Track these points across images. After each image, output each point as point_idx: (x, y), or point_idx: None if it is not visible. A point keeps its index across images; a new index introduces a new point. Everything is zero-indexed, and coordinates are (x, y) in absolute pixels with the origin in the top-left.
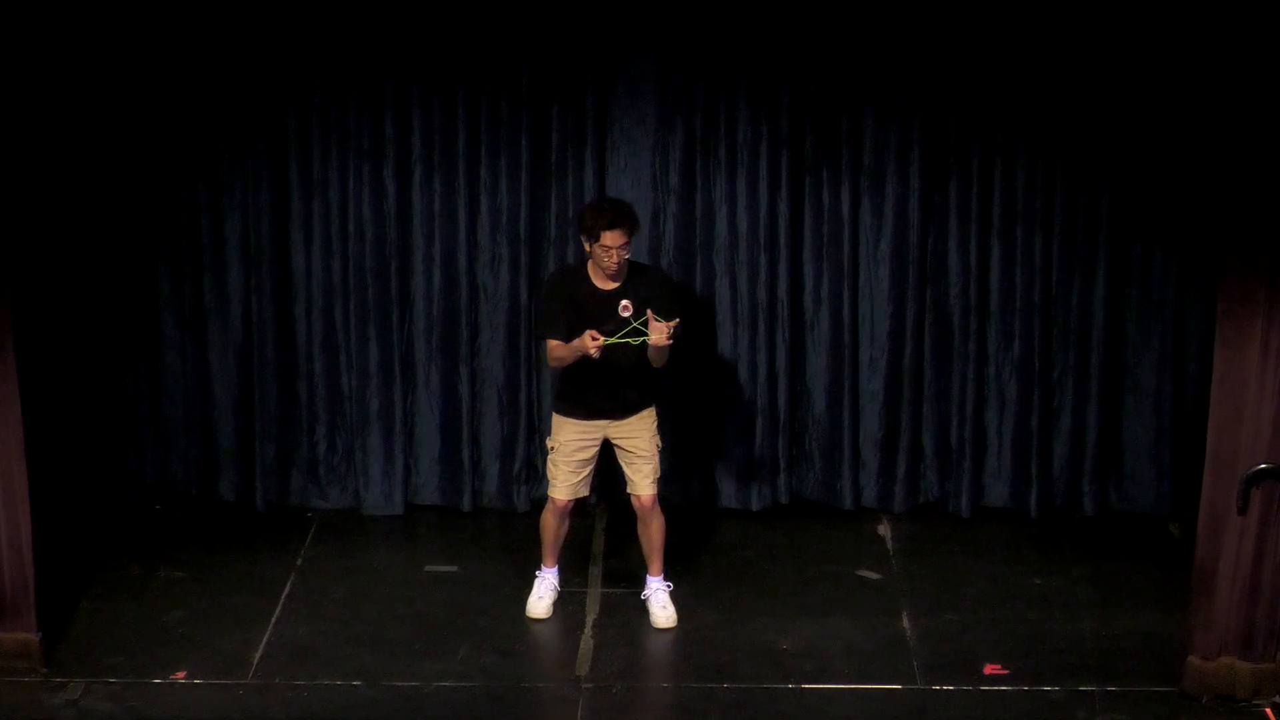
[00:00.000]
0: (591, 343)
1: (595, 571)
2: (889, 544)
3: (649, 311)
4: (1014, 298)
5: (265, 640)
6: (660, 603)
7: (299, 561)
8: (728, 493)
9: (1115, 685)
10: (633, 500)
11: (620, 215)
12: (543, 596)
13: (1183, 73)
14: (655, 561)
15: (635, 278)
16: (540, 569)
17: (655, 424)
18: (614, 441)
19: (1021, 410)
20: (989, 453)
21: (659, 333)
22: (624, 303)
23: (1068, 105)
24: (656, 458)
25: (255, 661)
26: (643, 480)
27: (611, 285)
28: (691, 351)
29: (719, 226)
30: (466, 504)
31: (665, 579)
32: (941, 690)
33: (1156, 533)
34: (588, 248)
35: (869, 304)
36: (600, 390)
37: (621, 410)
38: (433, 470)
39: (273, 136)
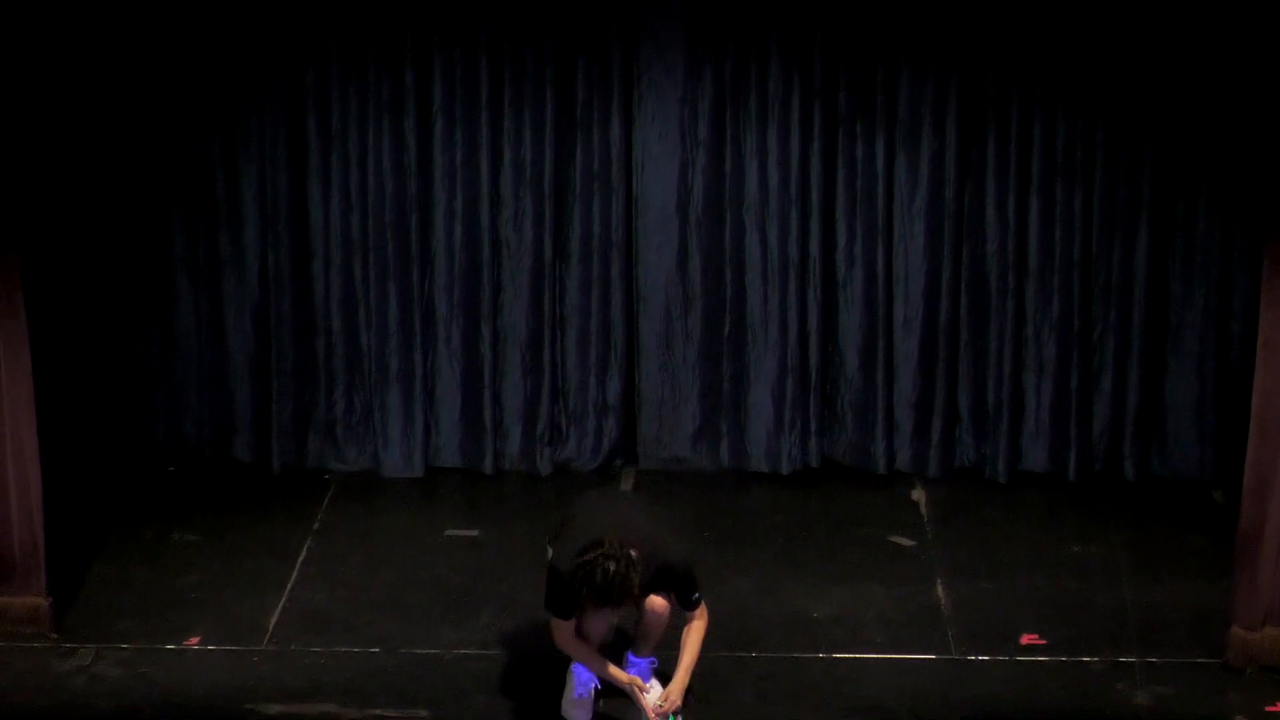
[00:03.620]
0: (635, 690)
1: None
2: (923, 509)
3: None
4: (1053, 256)
5: (281, 606)
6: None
7: (316, 525)
8: (757, 456)
9: (1157, 656)
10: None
11: (607, 594)
12: (581, 695)
13: (1231, 24)
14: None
15: (649, 573)
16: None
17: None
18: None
19: (1060, 371)
20: (1027, 415)
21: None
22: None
23: (1110, 58)
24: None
25: (270, 627)
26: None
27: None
28: (720, 310)
29: (749, 181)
30: (488, 466)
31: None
32: (977, 660)
33: (1199, 499)
34: None
35: (903, 262)
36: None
37: None
38: (453, 431)
39: (290, 88)
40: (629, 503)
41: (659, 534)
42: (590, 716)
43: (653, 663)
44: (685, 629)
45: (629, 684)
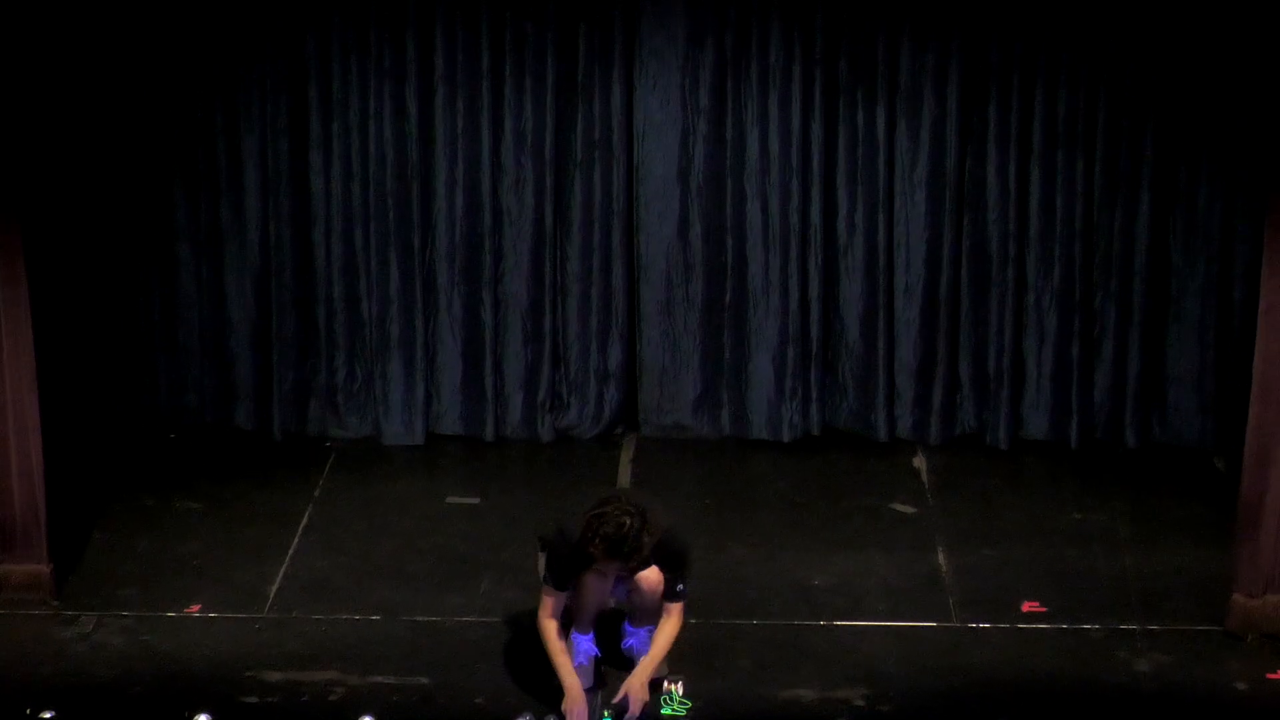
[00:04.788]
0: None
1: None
2: (924, 477)
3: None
4: (1054, 224)
5: (282, 573)
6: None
7: (317, 492)
8: (758, 424)
9: (1157, 624)
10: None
11: (616, 547)
12: (581, 664)
13: None
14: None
15: (655, 549)
16: (572, 632)
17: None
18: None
19: (1061, 339)
20: (1028, 383)
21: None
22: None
23: (1112, 26)
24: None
25: (272, 595)
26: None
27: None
28: (721, 278)
29: (750, 149)
30: (489, 434)
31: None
32: (978, 628)
33: (1201, 466)
34: None
35: (904, 230)
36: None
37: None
38: (454, 399)
39: (291, 55)
40: (635, 491)
41: (665, 517)
42: (591, 685)
43: (651, 630)
44: (659, 624)
45: (571, 691)
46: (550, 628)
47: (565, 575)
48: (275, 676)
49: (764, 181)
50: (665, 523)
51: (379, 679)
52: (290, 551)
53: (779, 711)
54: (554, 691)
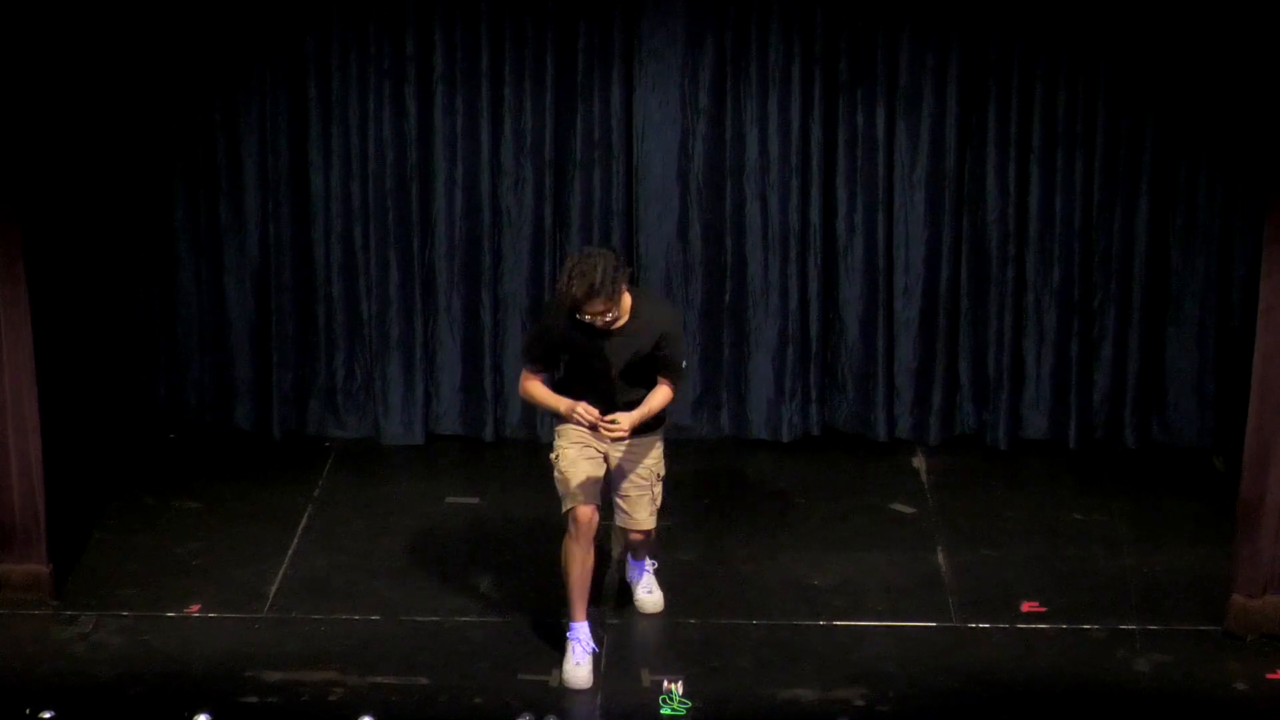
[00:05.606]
0: (580, 415)
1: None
2: (924, 477)
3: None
4: (1054, 224)
5: (281, 573)
6: (645, 586)
7: (316, 492)
8: (758, 424)
9: (1157, 624)
10: (627, 534)
11: (597, 286)
12: (580, 663)
13: None
14: (640, 551)
15: (640, 313)
16: (569, 626)
17: (660, 452)
18: (611, 463)
19: (1061, 339)
20: (1027, 383)
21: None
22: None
23: (1111, 25)
24: (656, 487)
25: (271, 595)
26: (639, 513)
27: (618, 324)
28: (721, 279)
29: (749, 149)
30: (489, 434)
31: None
32: (978, 628)
33: (1200, 466)
34: None
35: (904, 230)
36: (593, 403)
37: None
38: (454, 399)
39: (290, 55)
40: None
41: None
42: (590, 683)
43: (653, 564)
44: (656, 388)
45: (569, 409)
46: (529, 383)
47: (539, 349)
48: (275, 676)
49: (763, 182)
50: (656, 299)
51: (378, 679)
52: (290, 551)
53: (779, 711)
54: (553, 693)
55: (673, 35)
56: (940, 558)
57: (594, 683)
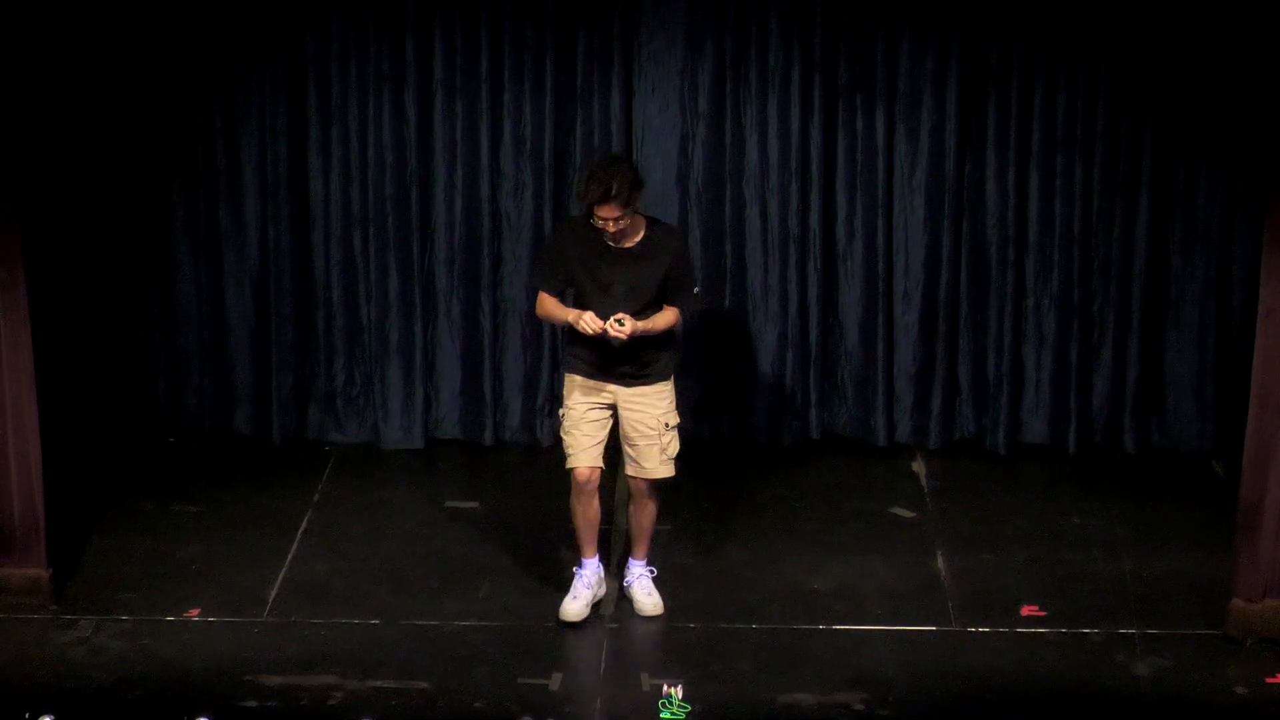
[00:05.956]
0: (586, 323)
1: (622, 508)
2: (923, 481)
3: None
4: (1053, 228)
5: (281, 578)
6: (645, 590)
7: (316, 497)
8: (758, 428)
9: (1156, 628)
10: (630, 481)
11: (613, 189)
12: (577, 596)
13: None
14: (641, 545)
15: (650, 236)
16: (580, 563)
17: (669, 399)
18: (620, 411)
19: (1060, 344)
20: (1027, 387)
21: (618, 332)
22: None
23: (1110, 29)
24: (667, 436)
25: (271, 599)
26: (647, 462)
27: (628, 243)
28: (721, 283)
29: (749, 153)
30: (488, 438)
31: (649, 564)
32: (977, 632)
33: (1199, 470)
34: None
35: (903, 234)
36: (598, 352)
37: (621, 379)
38: (454, 403)
39: (290, 59)
40: None
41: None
42: (583, 616)
43: (651, 571)
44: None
45: (577, 317)
46: (542, 302)
47: (548, 269)
48: (274, 681)
49: (763, 186)
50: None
51: (378, 683)
52: (289, 556)
53: (778, 715)
54: (553, 696)
55: (672, 39)
56: (940, 562)
57: (586, 617)
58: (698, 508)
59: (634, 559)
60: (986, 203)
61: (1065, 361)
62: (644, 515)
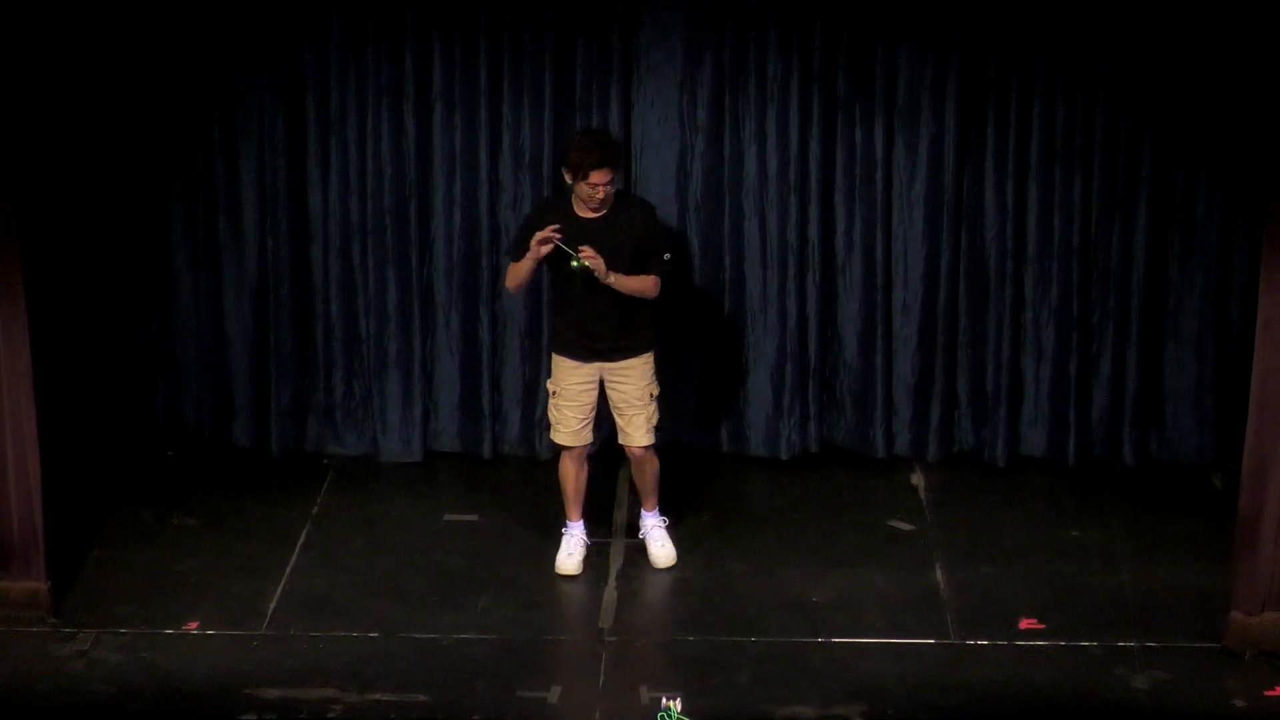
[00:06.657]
0: (543, 234)
1: (619, 520)
2: (922, 494)
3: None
4: (1052, 241)
5: (280, 590)
6: (658, 540)
7: (315, 509)
8: (756, 440)
9: (1155, 641)
10: (625, 448)
11: (609, 153)
12: (572, 553)
13: (1230, 6)
14: (650, 498)
15: (621, 208)
16: (566, 524)
17: (650, 371)
18: (606, 385)
19: (1059, 356)
20: (1026, 400)
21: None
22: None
23: (1109, 41)
24: (650, 407)
25: (270, 612)
26: (634, 431)
27: (595, 215)
28: (718, 295)
29: (748, 166)
30: (487, 451)
31: (661, 514)
32: (975, 645)
33: (1198, 483)
34: (569, 180)
35: (902, 246)
36: (580, 330)
37: (604, 353)
38: (452, 416)
39: (289, 71)
40: None
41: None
42: (578, 570)
43: (664, 520)
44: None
45: (535, 242)
46: (510, 275)
47: (523, 244)
48: (273, 694)
49: (762, 198)
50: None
51: (377, 696)
52: (288, 569)
53: None
54: (552, 709)
55: (671, 51)
56: (939, 574)
57: (581, 571)
58: (697, 520)
59: (646, 511)
60: (985, 215)
61: (1064, 374)
62: (646, 474)
